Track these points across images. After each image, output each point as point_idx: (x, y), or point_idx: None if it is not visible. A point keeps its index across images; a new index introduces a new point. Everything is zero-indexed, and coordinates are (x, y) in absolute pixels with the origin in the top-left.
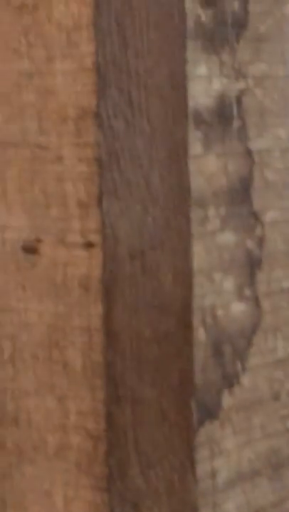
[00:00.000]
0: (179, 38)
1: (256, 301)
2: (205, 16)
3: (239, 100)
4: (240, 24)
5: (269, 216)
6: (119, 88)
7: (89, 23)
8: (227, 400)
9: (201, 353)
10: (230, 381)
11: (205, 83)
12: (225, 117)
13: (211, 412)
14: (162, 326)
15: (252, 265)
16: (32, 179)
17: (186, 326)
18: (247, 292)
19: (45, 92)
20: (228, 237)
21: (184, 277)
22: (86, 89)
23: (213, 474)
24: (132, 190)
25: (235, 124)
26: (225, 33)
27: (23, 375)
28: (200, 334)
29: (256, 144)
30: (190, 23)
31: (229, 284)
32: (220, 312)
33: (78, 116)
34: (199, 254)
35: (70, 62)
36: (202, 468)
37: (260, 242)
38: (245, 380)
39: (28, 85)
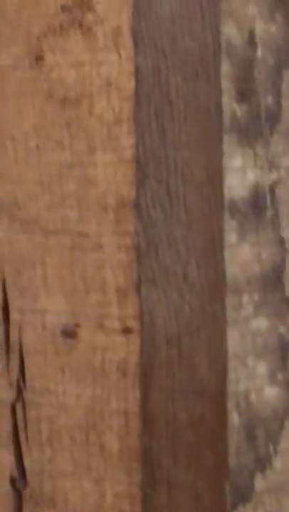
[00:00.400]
0: (216, 132)
1: (288, 386)
2: (240, 110)
3: (272, 191)
4: (274, 118)
5: None
6: (158, 179)
7: (129, 117)
8: (260, 483)
9: (234, 437)
10: (262, 464)
11: (240, 175)
12: (259, 207)
13: (244, 495)
14: (197, 410)
15: (284, 350)
16: (72, 266)
17: (221, 411)
18: (279, 376)
19: (86, 182)
20: (261, 323)
21: (219, 363)
22: (126, 180)
23: None
24: (169, 278)
25: (269, 213)
26: (259, 126)
27: (60, 456)
28: (234, 418)
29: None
30: (226, 117)
31: (262, 368)
32: (253, 396)
33: (118, 205)
34: (234, 340)
35: (111, 154)
36: None
37: None
38: (277, 462)
39: (70, 175)
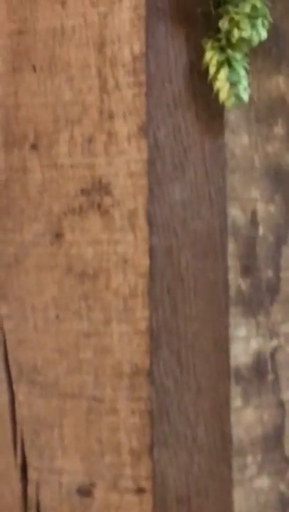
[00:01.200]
0: (223, 305)
1: None
2: (244, 284)
3: (273, 356)
4: (274, 290)
5: None
6: (170, 349)
7: (144, 291)
8: None
9: None
10: None
11: (244, 343)
12: (261, 372)
13: None
14: None
15: (284, 506)
16: (88, 428)
17: None
18: None
19: (102, 350)
20: (263, 482)
21: None
22: (140, 349)
23: None
24: (180, 441)
25: (270, 378)
26: (261, 298)
27: None
28: None
29: (287, 395)
30: (232, 291)
31: None
32: None
33: (132, 373)
34: (239, 499)
35: (126, 325)
36: None
37: None
38: None
39: (87, 344)
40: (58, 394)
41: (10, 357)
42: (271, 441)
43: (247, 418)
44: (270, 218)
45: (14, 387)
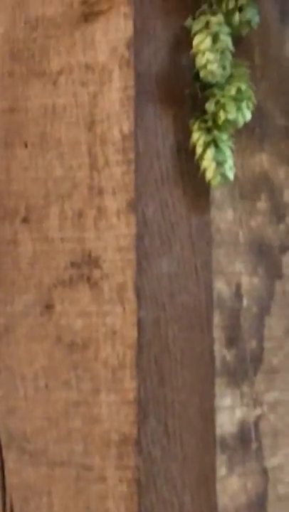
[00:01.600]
0: (209, 376)
1: None
2: (229, 355)
3: (256, 425)
4: (258, 359)
5: None
6: (157, 419)
7: (132, 363)
8: None
9: None
10: None
11: (229, 413)
12: (245, 441)
13: None
14: None
15: None
16: (76, 495)
17: None
18: None
19: (91, 419)
20: None
21: None
22: (128, 419)
23: None
24: (166, 509)
25: (253, 446)
26: (245, 368)
27: None
28: None
29: (270, 463)
30: (217, 362)
31: None
32: None
33: (120, 442)
34: None
35: (114, 395)
36: None
37: None
38: None
39: (76, 413)
40: (47, 462)
41: (0, 425)
42: (255, 508)
43: (232, 486)
44: (253, 290)
45: (4, 454)
